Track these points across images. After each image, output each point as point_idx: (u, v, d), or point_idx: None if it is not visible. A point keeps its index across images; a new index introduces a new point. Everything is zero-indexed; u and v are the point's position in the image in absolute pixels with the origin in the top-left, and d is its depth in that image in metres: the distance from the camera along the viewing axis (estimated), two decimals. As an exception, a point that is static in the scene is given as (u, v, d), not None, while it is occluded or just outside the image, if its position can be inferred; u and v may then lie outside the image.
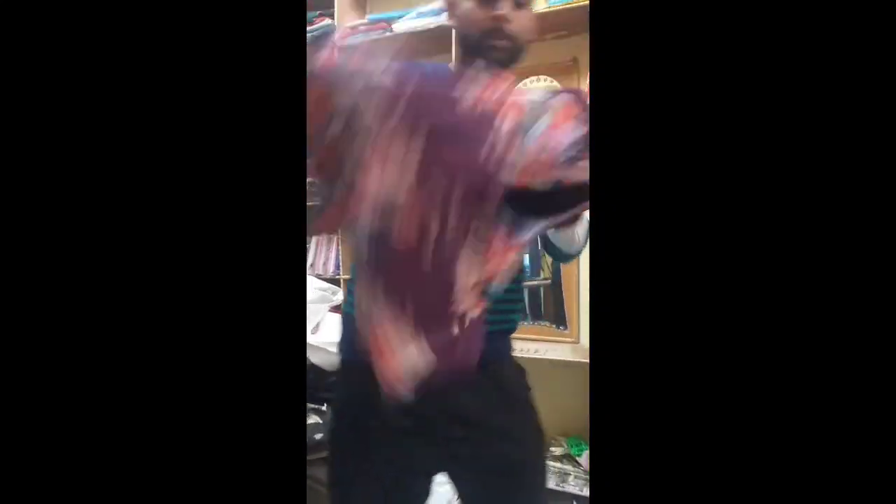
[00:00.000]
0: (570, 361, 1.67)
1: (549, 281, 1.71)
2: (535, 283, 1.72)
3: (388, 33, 1.80)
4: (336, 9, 1.89)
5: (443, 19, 1.67)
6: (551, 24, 1.57)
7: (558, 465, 1.67)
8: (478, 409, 0.72)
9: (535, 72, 1.66)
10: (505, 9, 0.68)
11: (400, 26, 1.78)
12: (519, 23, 0.70)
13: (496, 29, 0.69)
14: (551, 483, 1.61)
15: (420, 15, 1.72)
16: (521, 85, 1.62)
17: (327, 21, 1.90)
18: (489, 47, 0.70)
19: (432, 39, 1.69)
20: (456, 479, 0.78)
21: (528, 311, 1.77)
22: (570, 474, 1.64)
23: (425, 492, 0.79)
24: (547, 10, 1.54)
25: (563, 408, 1.76)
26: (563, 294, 1.71)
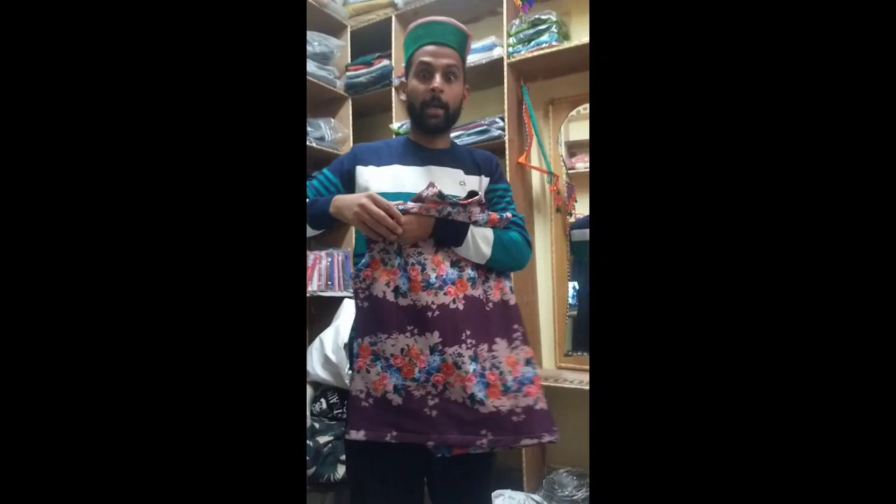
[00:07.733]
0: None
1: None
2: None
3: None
4: (393, 51, 2.02)
5: (494, 54, 1.79)
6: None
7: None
8: None
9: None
10: (437, 83, 0.96)
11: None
12: (449, 93, 0.98)
13: (434, 98, 0.97)
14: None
15: (473, 51, 1.84)
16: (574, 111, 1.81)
17: (385, 62, 2.03)
18: (428, 115, 0.98)
19: (484, 73, 1.84)
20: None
21: (571, 343, 1.76)
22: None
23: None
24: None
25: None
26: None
